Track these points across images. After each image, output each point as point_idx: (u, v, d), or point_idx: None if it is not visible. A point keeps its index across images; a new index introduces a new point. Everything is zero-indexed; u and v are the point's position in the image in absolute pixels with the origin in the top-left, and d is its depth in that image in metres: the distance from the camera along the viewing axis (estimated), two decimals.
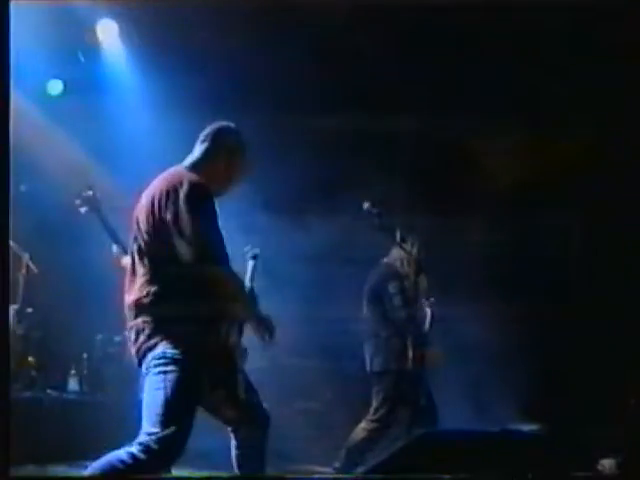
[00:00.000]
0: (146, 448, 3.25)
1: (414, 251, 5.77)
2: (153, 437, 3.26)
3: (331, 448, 6.15)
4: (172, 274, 3.44)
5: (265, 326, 3.67)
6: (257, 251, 4.23)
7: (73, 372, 6.96)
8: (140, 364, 3.49)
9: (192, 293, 3.42)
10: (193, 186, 3.46)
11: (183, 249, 3.41)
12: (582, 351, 7.32)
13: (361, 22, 6.88)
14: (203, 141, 3.75)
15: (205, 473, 5.22)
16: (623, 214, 7.56)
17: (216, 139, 3.75)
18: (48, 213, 7.42)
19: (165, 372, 3.35)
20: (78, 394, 6.87)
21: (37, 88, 7.77)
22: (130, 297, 3.50)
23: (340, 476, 5.49)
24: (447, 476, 3.01)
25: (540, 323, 7.84)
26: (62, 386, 6.85)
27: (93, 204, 4.51)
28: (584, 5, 6.20)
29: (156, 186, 3.56)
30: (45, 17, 6.54)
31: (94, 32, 7.52)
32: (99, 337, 7.25)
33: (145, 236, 3.49)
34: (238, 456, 3.72)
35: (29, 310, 6.83)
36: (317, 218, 7.82)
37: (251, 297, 3.78)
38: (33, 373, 6.64)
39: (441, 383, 6.08)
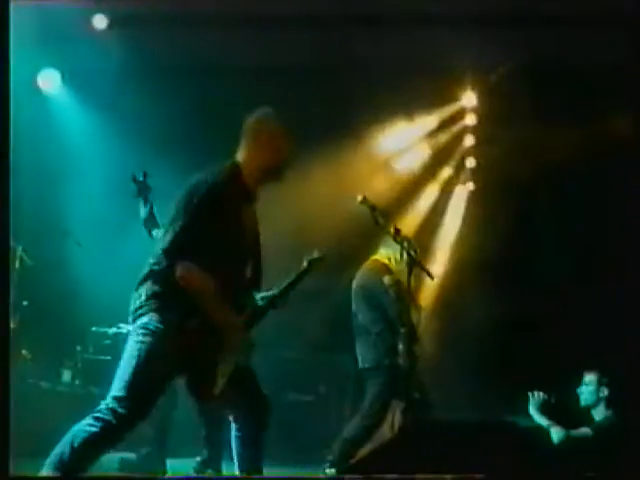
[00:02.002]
0: (112, 411, 3.38)
1: (406, 248, 5.81)
2: (118, 402, 3.39)
3: (325, 441, 6.16)
4: None
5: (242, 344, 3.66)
6: (316, 256, 4.08)
7: (66, 364, 6.95)
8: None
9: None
10: (206, 184, 3.54)
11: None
12: (581, 344, 7.33)
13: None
14: (242, 132, 3.81)
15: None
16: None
17: (249, 130, 3.80)
18: (42, 206, 7.41)
19: (142, 342, 3.47)
20: (71, 386, 6.86)
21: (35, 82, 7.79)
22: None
23: (331, 477, 5.50)
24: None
25: (538, 315, 7.86)
26: (55, 378, 6.84)
27: (142, 189, 4.59)
28: None
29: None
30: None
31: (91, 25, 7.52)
32: (93, 329, 7.24)
33: None
34: (236, 443, 3.75)
35: (24, 303, 6.82)
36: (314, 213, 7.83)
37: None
38: (27, 365, 6.64)
39: (438, 375, 6.10)
